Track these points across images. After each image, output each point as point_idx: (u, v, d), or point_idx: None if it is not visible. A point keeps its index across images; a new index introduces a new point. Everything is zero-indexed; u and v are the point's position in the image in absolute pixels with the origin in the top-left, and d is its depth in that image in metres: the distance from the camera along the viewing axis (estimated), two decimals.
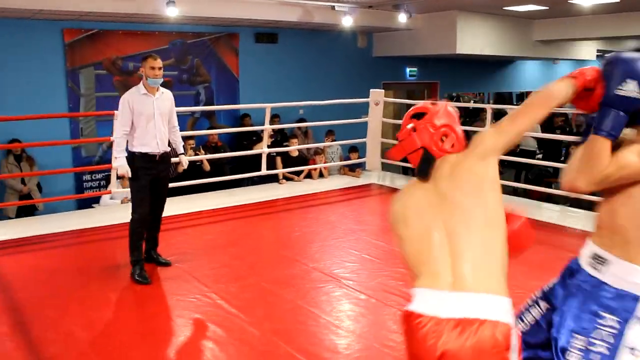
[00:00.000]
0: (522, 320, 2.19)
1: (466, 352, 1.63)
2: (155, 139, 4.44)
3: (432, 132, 1.92)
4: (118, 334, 3.54)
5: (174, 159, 4.81)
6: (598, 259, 1.96)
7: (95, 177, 8.84)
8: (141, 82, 4.48)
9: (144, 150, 4.42)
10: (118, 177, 6.38)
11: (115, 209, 6.75)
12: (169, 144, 4.67)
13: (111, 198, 7.20)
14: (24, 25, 8.05)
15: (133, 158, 4.43)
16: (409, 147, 1.95)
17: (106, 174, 8.29)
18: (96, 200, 7.65)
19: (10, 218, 7.20)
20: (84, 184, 8.79)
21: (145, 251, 4.67)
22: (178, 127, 4.80)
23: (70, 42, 8.47)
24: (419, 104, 2.04)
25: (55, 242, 5.40)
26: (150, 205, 4.53)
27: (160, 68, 4.40)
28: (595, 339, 1.89)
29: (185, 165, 4.92)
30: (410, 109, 2.04)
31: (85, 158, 8.80)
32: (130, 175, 4.42)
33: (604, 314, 1.90)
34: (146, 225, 4.54)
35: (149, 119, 4.40)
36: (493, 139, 1.88)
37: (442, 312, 1.68)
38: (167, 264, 4.71)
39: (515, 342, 1.71)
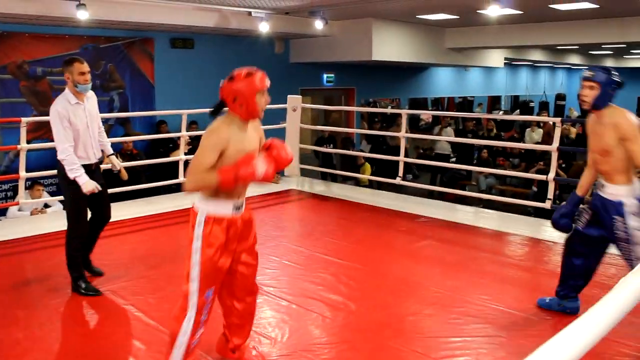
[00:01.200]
0: (579, 220, 3.63)
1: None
2: (92, 149, 4.22)
3: (227, 92, 2.76)
4: (27, 354, 3.36)
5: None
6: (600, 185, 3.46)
7: (1, 187, 8.40)
8: (67, 90, 4.10)
9: (80, 162, 4.11)
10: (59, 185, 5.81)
11: (24, 221, 6.42)
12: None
13: (19, 210, 6.85)
14: None
15: (67, 171, 4.07)
16: (220, 95, 2.80)
17: (13, 184, 7.90)
18: (2, 212, 7.26)
19: None
20: None
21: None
22: (103, 128, 4.53)
23: None
24: (239, 70, 2.77)
25: None
26: (95, 216, 4.38)
27: (89, 72, 4.11)
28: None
29: (118, 167, 4.68)
30: (233, 71, 2.78)
31: None
32: (99, 190, 4.12)
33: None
34: (85, 242, 4.33)
35: (84, 129, 4.14)
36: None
37: None
38: (99, 273, 4.53)
39: (200, 219, 2.83)
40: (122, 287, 4.33)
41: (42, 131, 8.61)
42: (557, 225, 3.72)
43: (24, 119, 6.05)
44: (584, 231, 3.60)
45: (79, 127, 4.09)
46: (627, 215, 3.29)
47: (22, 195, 6.30)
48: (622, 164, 3.29)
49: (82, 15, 7.38)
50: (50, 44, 8.78)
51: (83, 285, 4.20)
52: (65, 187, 4.18)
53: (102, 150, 4.59)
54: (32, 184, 7.00)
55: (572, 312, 3.75)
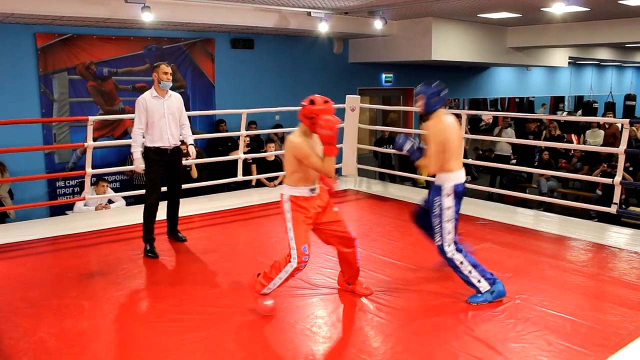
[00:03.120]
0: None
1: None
2: (167, 135, 5.10)
3: (307, 114, 3.73)
4: (92, 344, 3.49)
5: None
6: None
7: (68, 183, 8.73)
8: (153, 87, 5.16)
9: (156, 145, 5.09)
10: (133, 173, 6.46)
11: (89, 216, 6.67)
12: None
13: (85, 205, 7.10)
14: None
15: (148, 152, 5.12)
16: (300, 113, 3.76)
17: (80, 180, 8.19)
18: (70, 207, 7.55)
19: None
20: (57, 190, 8.67)
21: (168, 228, 5.51)
22: (188, 124, 5.41)
23: (42, 46, 8.36)
24: (317, 97, 3.75)
25: (28, 250, 5.31)
26: (168, 189, 5.36)
27: (170, 73, 5.13)
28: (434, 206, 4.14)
29: (192, 155, 5.44)
30: (312, 97, 3.75)
31: (58, 164, 8.68)
32: (142, 171, 5.17)
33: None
34: (156, 209, 5.23)
35: (160, 117, 5.07)
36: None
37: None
38: (183, 240, 5.46)
39: (285, 199, 3.87)
40: (182, 281, 4.43)
41: (107, 129, 8.91)
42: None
43: (91, 118, 6.27)
44: (423, 207, 4.59)
45: (154, 116, 5.06)
46: (443, 196, 4.10)
47: (88, 191, 6.54)
48: (442, 158, 4.07)
49: (147, 17, 7.58)
50: (116, 45, 9.06)
51: (147, 247, 5.13)
52: (146, 165, 5.19)
53: (183, 141, 5.43)
54: (96, 180, 7.25)
55: None
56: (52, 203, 8.07)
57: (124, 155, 8.49)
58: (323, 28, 9.42)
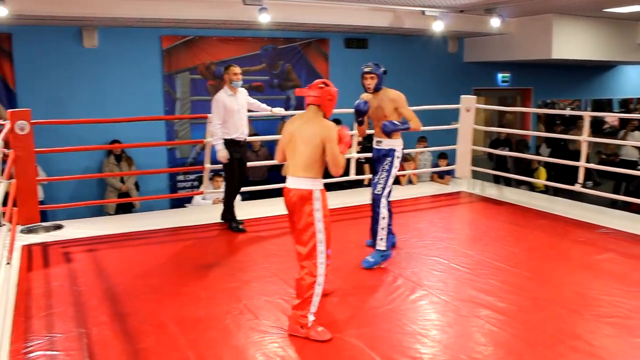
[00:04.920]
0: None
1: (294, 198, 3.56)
2: (241, 128, 5.74)
3: (327, 97, 3.74)
4: (208, 331, 3.64)
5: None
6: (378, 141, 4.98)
7: (188, 177, 9.18)
8: (225, 87, 5.73)
9: (232, 137, 5.68)
10: (213, 173, 6.75)
11: (207, 209, 6.95)
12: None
13: (203, 198, 7.43)
14: (126, 32, 8.50)
15: (225, 143, 5.67)
16: (314, 95, 3.71)
17: (199, 174, 8.58)
18: (189, 200, 7.93)
19: (110, 214, 7.61)
20: (178, 183, 9.14)
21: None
22: (256, 101, 6.13)
23: (167, 48, 8.85)
24: (326, 80, 3.73)
25: (151, 239, 5.64)
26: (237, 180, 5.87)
27: (240, 73, 5.72)
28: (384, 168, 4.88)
29: (282, 112, 6.53)
30: (320, 80, 3.74)
31: (179, 159, 9.16)
32: (227, 160, 5.66)
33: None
34: (237, 193, 5.95)
35: (234, 113, 5.67)
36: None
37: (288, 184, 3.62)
38: (241, 230, 5.83)
39: (317, 195, 3.51)
40: (291, 277, 4.48)
41: None
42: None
43: (210, 115, 6.53)
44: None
45: (230, 111, 5.65)
46: (395, 157, 4.86)
47: (206, 185, 6.83)
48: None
49: (264, 19, 7.81)
50: (234, 46, 9.41)
51: (234, 225, 5.84)
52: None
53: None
54: (212, 175, 7.56)
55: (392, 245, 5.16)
56: (173, 196, 8.52)
57: None
58: (438, 27, 9.27)
